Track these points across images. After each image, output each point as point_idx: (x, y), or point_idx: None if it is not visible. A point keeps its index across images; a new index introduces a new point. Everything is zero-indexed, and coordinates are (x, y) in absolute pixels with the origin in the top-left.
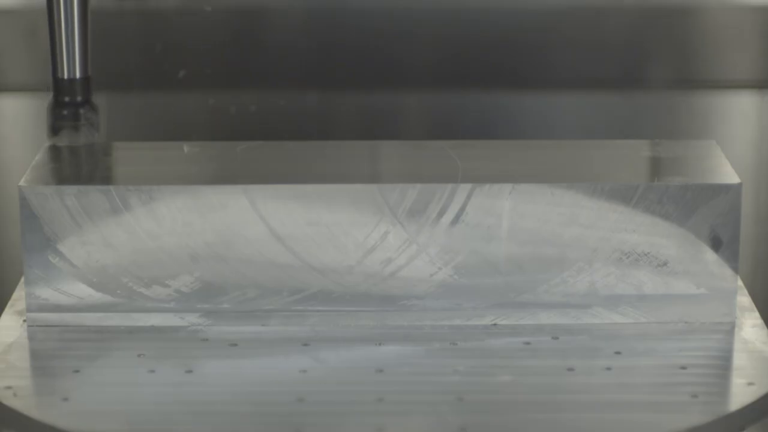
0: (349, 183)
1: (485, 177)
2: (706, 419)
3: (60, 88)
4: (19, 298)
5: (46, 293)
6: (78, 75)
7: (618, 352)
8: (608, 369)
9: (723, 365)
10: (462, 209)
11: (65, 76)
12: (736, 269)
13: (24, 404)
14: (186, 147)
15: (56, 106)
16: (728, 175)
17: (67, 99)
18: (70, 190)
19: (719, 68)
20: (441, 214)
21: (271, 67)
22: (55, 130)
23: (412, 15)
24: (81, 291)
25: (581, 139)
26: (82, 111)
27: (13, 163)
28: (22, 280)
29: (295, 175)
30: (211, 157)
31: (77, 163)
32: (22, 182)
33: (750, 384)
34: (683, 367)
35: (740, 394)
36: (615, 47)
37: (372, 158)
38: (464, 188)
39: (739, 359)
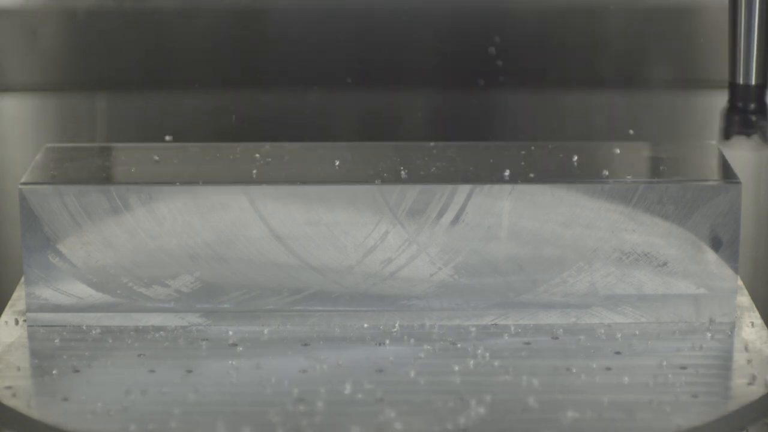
0: (349, 183)
1: (485, 177)
2: (706, 419)
3: (735, 93)
4: (19, 298)
5: (46, 293)
6: (753, 81)
7: (618, 352)
8: (608, 369)
9: (723, 365)
10: (462, 209)
11: (741, 82)
12: (736, 269)
13: (24, 404)
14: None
15: (730, 111)
16: (728, 175)
17: (740, 105)
18: (70, 190)
19: (719, 68)
20: (441, 214)
21: (271, 67)
22: (727, 135)
23: (413, 14)
24: (81, 291)
25: (581, 139)
26: (754, 118)
27: (13, 163)
28: (22, 280)
29: (295, 175)
30: (211, 157)
31: (77, 163)
32: (22, 182)
33: (750, 384)
34: (683, 367)
35: (740, 394)
36: (615, 47)
37: (372, 158)
38: (464, 188)
39: (739, 359)
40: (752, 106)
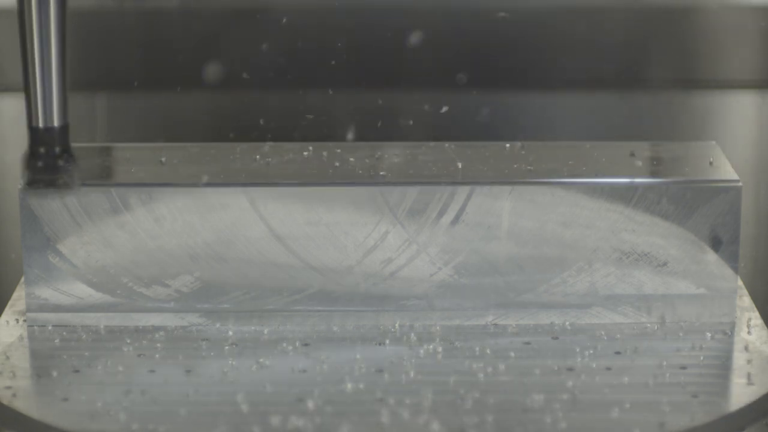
0: (350, 183)
1: (485, 177)
2: (706, 419)
3: (37, 137)
4: (19, 298)
5: (46, 293)
6: (55, 123)
7: (618, 352)
8: (608, 369)
9: (723, 365)
10: (462, 209)
11: (41, 125)
12: (736, 269)
13: (24, 404)
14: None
15: (33, 157)
16: (728, 175)
17: (43, 149)
18: (70, 190)
19: (719, 68)
20: (441, 214)
21: (271, 67)
22: (31, 182)
23: (413, 14)
24: (81, 291)
25: (581, 139)
26: (60, 162)
27: (13, 163)
28: (22, 280)
29: (295, 175)
30: (211, 157)
31: (77, 164)
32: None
33: (750, 384)
34: (683, 367)
35: (740, 394)
36: (615, 47)
37: (372, 158)
38: (464, 188)
39: (739, 359)
40: (57, 149)
